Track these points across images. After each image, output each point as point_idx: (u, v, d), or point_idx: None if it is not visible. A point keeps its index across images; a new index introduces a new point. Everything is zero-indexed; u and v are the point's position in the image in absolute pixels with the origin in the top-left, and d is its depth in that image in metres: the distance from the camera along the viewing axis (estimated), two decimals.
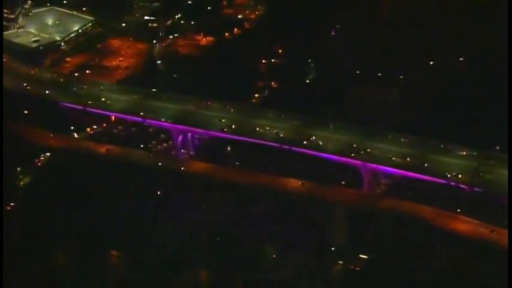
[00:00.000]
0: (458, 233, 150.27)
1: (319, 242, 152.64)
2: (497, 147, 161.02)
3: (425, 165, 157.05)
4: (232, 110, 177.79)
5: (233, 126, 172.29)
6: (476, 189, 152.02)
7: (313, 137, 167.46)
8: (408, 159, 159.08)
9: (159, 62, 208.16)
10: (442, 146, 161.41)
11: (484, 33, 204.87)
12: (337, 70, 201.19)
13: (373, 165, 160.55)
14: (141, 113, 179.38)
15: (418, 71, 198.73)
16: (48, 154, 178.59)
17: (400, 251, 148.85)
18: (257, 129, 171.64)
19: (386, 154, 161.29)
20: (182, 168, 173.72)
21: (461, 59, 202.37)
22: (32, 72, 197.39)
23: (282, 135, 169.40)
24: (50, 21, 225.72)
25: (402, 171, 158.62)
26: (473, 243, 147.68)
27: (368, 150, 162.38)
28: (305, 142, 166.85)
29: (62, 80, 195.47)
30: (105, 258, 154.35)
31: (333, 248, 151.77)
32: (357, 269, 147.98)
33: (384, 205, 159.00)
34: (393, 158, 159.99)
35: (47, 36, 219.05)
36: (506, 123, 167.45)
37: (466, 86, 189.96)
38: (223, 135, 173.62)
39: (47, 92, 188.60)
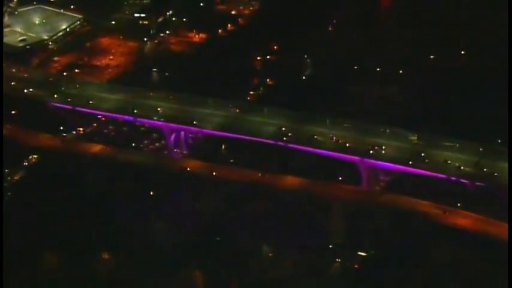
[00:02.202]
0: (458, 228, 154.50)
1: (316, 239, 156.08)
2: (499, 141, 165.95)
3: (425, 160, 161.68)
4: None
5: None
6: (477, 183, 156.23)
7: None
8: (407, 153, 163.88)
9: (154, 69, 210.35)
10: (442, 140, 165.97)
11: (486, 25, 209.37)
12: (334, 66, 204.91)
13: (371, 161, 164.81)
14: (134, 111, 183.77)
15: (418, 65, 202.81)
16: (36, 155, 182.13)
17: (399, 248, 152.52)
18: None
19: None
20: (175, 167, 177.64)
21: (462, 52, 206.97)
22: (20, 72, 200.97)
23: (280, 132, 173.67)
24: (36, 20, 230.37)
25: (401, 167, 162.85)
26: (473, 237, 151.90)
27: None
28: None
29: (50, 79, 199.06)
30: (96, 259, 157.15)
31: (330, 246, 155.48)
32: (355, 266, 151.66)
33: (382, 201, 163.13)
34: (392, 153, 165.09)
35: (34, 35, 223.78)
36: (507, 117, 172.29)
37: (467, 80, 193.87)
38: (217, 133, 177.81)
39: (35, 92, 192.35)
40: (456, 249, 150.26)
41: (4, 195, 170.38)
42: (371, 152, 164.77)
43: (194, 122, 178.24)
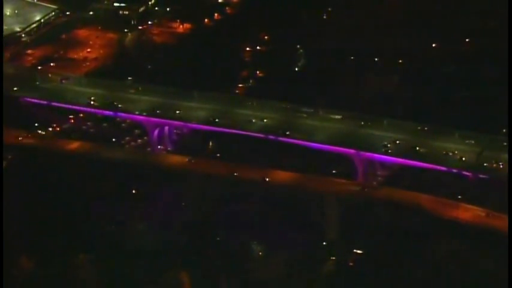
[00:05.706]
0: (459, 222, 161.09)
1: (309, 236, 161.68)
2: (504, 131, 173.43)
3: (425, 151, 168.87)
4: None
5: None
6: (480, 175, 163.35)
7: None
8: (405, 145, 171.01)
9: (129, 78, 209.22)
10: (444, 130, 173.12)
11: (491, 12, 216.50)
12: (329, 57, 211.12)
13: (367, 154, 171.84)
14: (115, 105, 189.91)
15: (419, 54, 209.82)
16: (10, 154, 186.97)
17: (396, 244, 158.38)
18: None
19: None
20: (159, 164, 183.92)
21: (467, 40, 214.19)
22: None
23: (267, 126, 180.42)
24: (8, 11, 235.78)
25: (398, 159, 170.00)
26: (474, 231, 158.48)
27: None
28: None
29: (23, 74, 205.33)
30: (76, 262, 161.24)
31: (324, 243, 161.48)
32: (350, 264, 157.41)
33: (379, 195, 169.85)
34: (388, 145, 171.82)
35: (5, 27, 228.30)
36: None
37: (472, 69, 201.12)
38: (204, 127, 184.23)
39: (7, 87, 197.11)
40: (456, 244, 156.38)
41: None
42: (366, 144, 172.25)
43: (179, 116, 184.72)
